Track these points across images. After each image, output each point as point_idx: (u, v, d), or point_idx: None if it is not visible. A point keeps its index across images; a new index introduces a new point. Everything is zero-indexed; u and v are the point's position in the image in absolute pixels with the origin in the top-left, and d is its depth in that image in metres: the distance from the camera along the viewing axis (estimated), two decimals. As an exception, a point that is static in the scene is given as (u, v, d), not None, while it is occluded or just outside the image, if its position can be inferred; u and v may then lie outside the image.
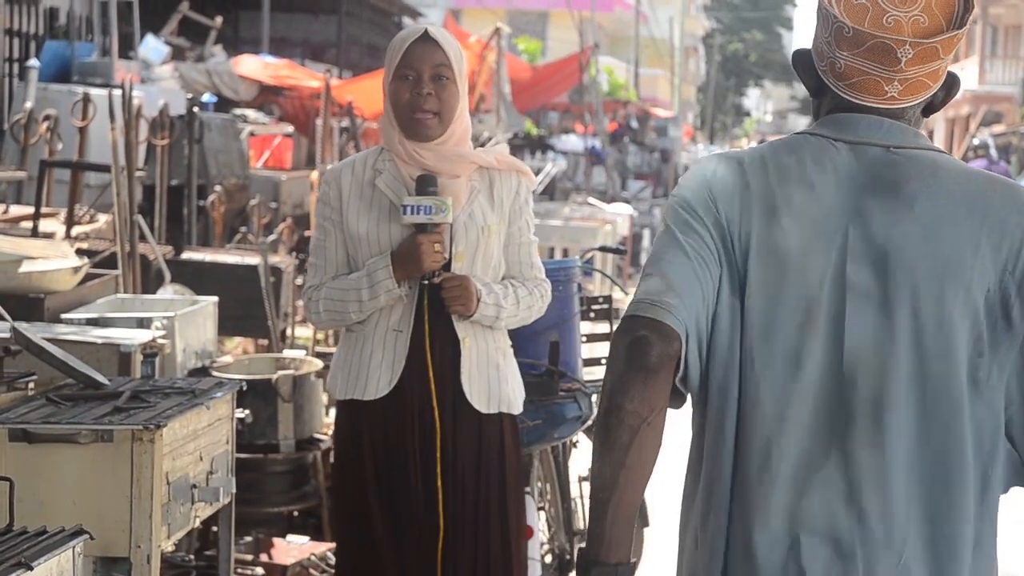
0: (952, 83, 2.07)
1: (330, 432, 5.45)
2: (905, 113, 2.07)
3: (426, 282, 3.29)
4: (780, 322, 1.99)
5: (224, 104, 13.52)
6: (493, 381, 3.37)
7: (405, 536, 3.34)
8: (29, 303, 4.70)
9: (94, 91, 8.46)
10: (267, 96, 14.67)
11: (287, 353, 5.55)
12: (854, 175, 2.02)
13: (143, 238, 6.10)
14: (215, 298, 5.12)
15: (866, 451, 1.97)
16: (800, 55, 2.14)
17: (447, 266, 3.31)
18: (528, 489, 4.31)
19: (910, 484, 1.98)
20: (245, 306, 6.20)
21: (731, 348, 2.01)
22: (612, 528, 1.95)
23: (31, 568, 2.29)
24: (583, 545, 2.00)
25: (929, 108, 2.11)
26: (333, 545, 4.93)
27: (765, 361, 1.99)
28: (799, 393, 1.98)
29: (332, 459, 5.26)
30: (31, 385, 3.48)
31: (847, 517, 1.97)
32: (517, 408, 3.44)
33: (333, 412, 5.84)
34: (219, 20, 15.61)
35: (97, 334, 4.21)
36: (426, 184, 3.26)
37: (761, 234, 2.01)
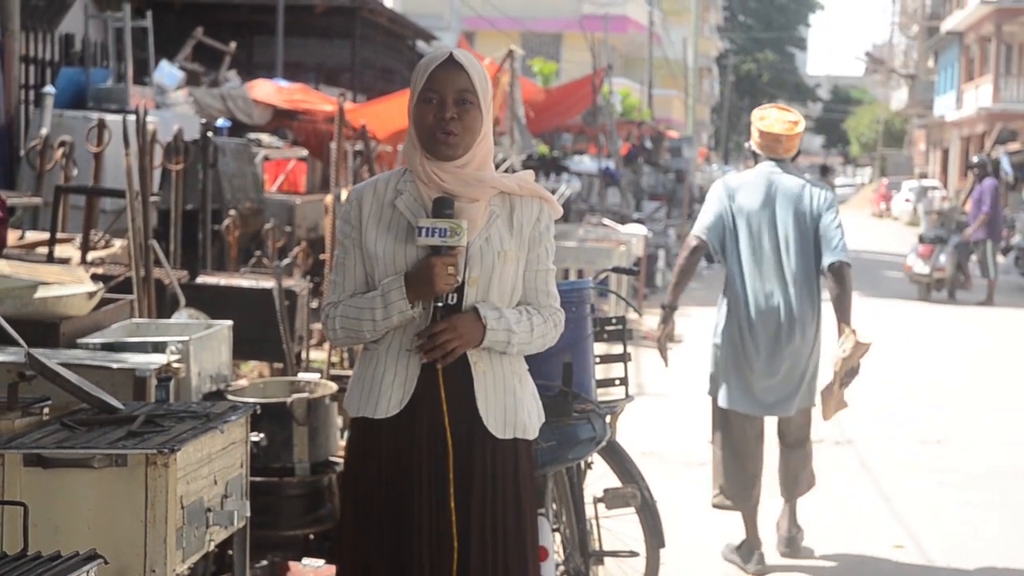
0: (799, 151, 6.18)
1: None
2: (788, 160, 5.99)
3: (439, 304, 3.29)
4: (750, 233, 5.86)
5: (238, 128, 13.56)
6: (509, 407, 3.36)
7: (411, 558, 3.32)
8: (44, 328, 4.72)
9: (109, 117, 8.50)
10: (281, 120, 14.71)
11: (302, 376, 5.54)
12: (775, 183, 5.92)
13: (158, 263, 6.12)
14: (230, 322, 5.13)
15: (782, 264, 5.88)
16: (751, 145, 6.11)
17: (460, 290, 3.30)
18: (542, 511, 4.29)
19: (799, 269, 5.85)
20: (260, 330, 6.21)
21: (732, 243, 5.90)
22: (676, 295, 5.98)
23: (45, 593, 2.29)
24: (666, 304, 5.99)
25: (794, 159, 6.08)
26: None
27: (746, 247, 5.86)
28: (757, 255, 5.86)
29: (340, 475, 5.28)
30: (46, 410, 3.49)
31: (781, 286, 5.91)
32: (532, 433, 3.42)
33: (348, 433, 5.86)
34: (233, 45, 15.68)
35: (112, 359, 4.23)
36: (443, 207, 3.26)
37: (741, 205, 5.88)
